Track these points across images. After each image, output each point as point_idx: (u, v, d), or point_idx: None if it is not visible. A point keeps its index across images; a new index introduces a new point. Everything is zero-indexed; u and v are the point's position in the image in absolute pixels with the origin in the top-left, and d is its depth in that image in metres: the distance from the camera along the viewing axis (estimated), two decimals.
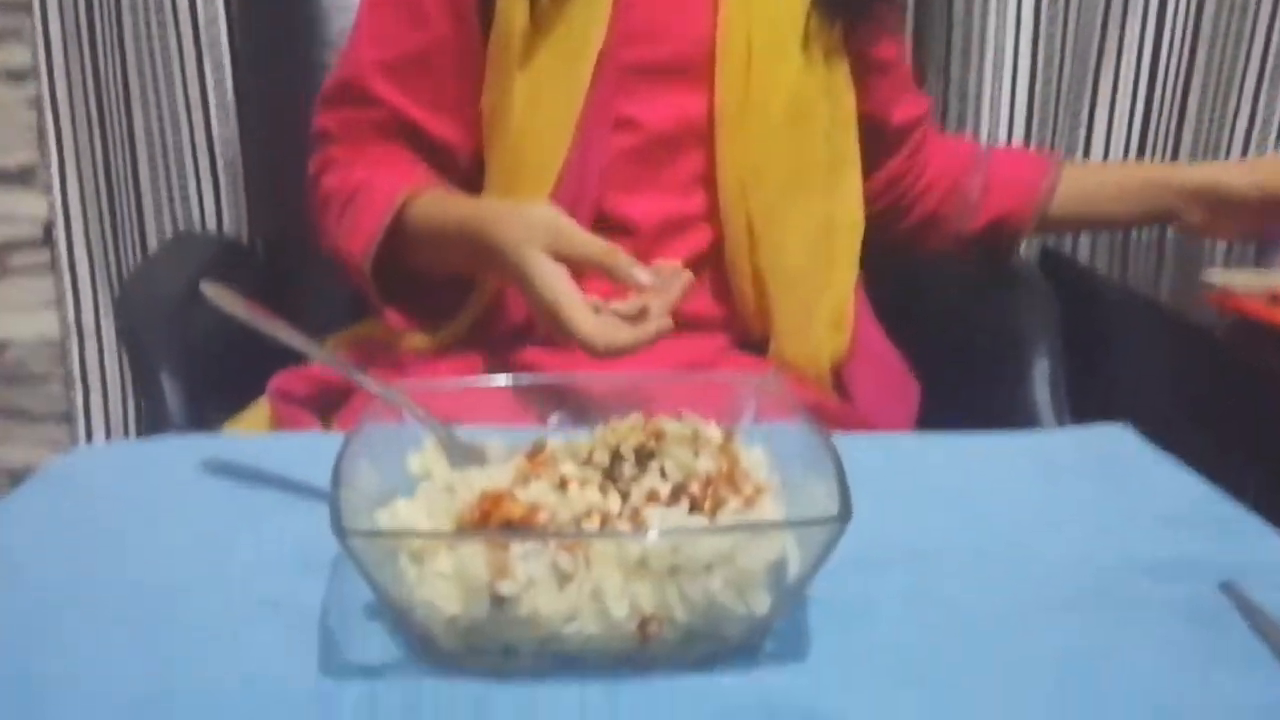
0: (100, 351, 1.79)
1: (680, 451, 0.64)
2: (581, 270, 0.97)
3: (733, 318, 1.17)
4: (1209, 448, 1.17)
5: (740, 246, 1.13)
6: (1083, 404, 1.30)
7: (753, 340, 1.18)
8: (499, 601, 0.55)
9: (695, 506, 0.59)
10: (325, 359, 0.76)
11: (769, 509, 0.59)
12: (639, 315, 0.94)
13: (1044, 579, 0.68)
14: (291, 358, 1.22)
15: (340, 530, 0.54)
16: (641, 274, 0.93)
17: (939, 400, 1.28)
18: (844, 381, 1.20)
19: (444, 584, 0.56)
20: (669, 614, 0.56)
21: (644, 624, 0.56)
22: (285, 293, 1.51)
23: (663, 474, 0.63)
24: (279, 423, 1.14)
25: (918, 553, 0.70)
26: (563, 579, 0.56)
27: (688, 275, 0.98)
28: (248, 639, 0.61)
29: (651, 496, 0.60)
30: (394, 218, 1.07)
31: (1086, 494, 0.80)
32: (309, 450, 0.82)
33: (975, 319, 1.37)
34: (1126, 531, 0.74)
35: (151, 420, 1.21)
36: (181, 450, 0.85)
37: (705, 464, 0.65)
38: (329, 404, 1.15)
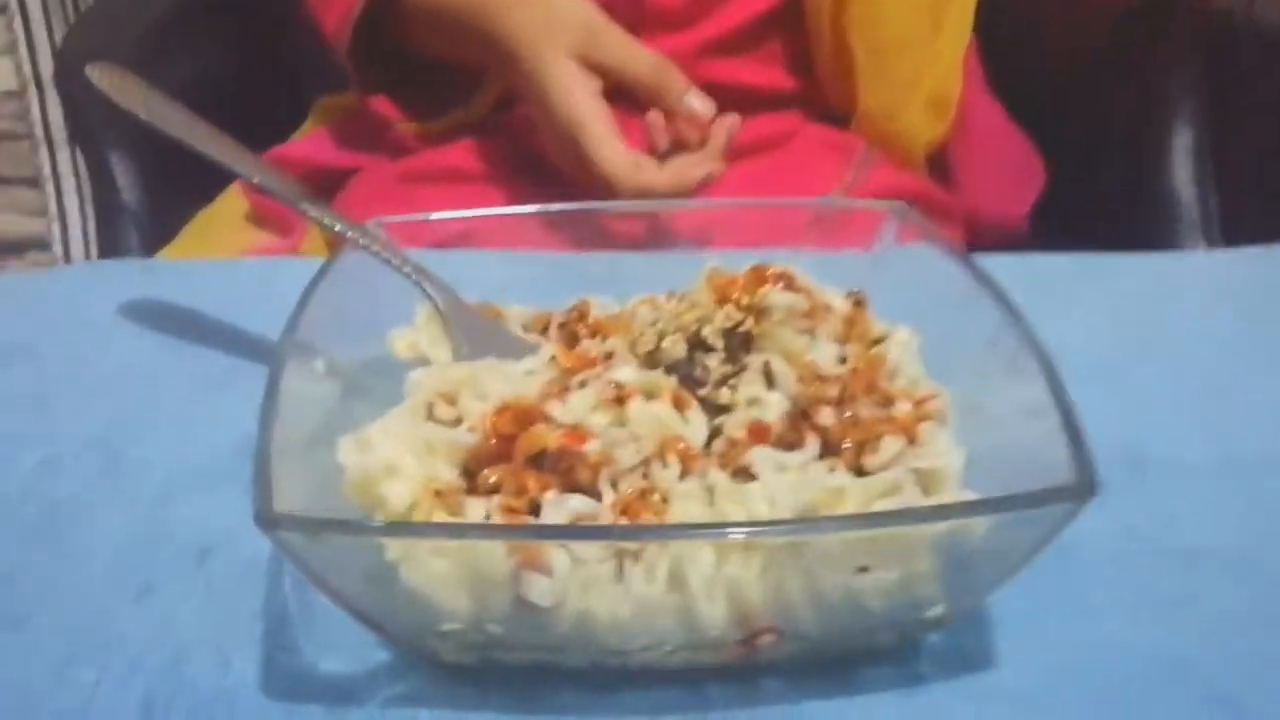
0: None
1: (791, 336, 0.43)
2: (621, 87, 0.74)
3: (809, 91, 0.93)
4: None
5: (822, 2, 0.88)
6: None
7: (833, 115, 0.94)
8: (527, 604, 0.35)
9: (829, 448, 0.39)
10: (262, 179, 0.54)
11: (943, 445, 0.39)
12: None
13: None
14: (274, 133, 1.01)
15: (265, 519, 0.33)
16: (696, 100, 0.71)
17: (1061, 177, 1.04)
18: (948, 165, 0.96)
19: (442, 567, 0.36)
20: (791, 621, 0.36)
21: (752, 636, 0.36)
22: (273, 42, 1.27)
23: (767, 376, 0.42)
24: (258, 218, 0.93)
25: (1129, 464, 0.48)
26: (625, 562, 0.36)
27: (735, 120, 0.76)
28: (147, 618, 0.41)
29: (757, 432, 0.39)
30: None
31: None
32: (279, 282, 0.61)
33: (1104, 75, 1.12)
34: None
35: (103, 209, 1.00)
36: (106, 282, 0.64)
37: (826, 353, 0.44)
38: (323, 190, 0.93)
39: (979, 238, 0.96)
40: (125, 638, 0.40)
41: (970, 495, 0.38)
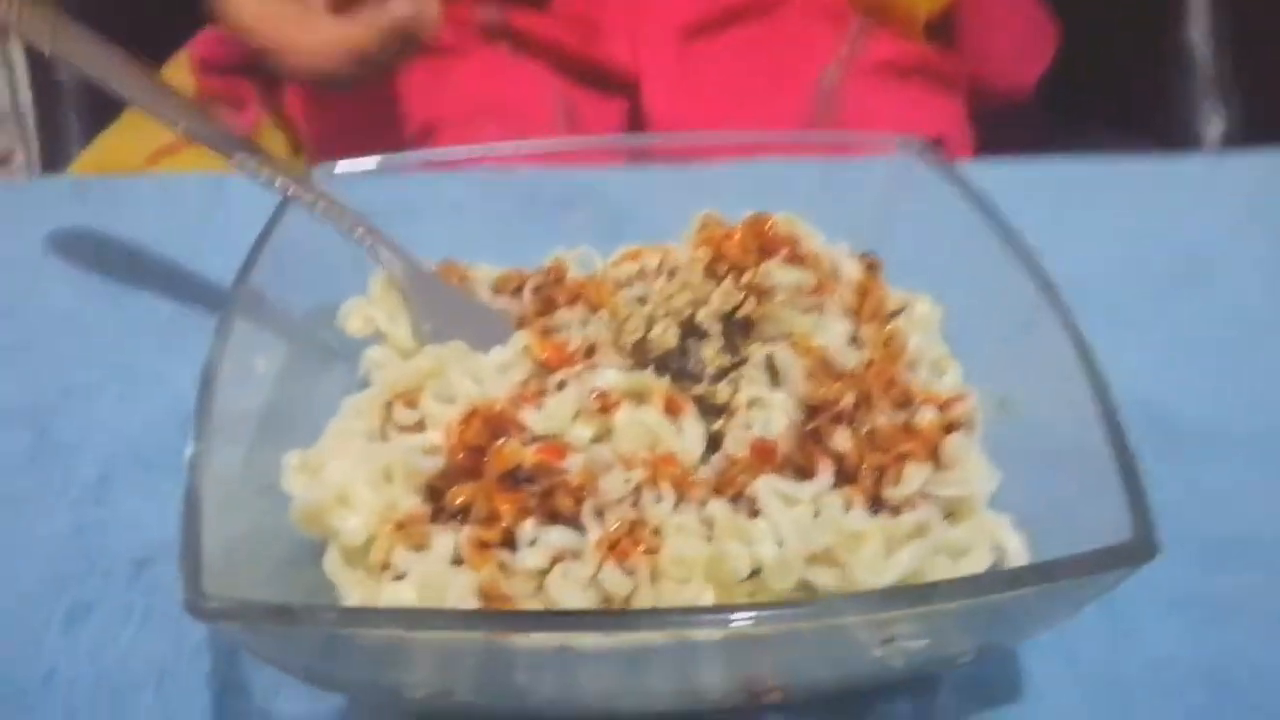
0: None
1: (796, 318, 0.38)
2: None
3: None
4: None
5: None
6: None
7: None
8: (502, 667, 0.31)
9: (845, 474, 0.34)
10: (188, 125, 0.47)
11: (972, 468, 0.34)
12: None
13: None
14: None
15: (196, 610, 0.28)
16: None
17: (1072, 34, 0.96)
18: (952, 29, 0.89)
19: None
20: (802, 682, 0.32)
21: (757, 694, 0.32)
22: None
23: (771, 371, 0.37)
24: (205, 98, 0.86)
25: (1163, 434, 0.43)
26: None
27: None
28: (80, 649, 0.37)
29: (761, 452, 0.34)
30: None
31: None
32: (226, 204, 0.56)
33: None
34: None
35: (40, 91, 0.93)
36: (32, 208, 0.58)
37: (837, 332, 0.38)
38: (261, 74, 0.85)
39: (984, 102, 0.90)
40: (56, 675, 0.36)
41: (1003, 521, 0.34)
